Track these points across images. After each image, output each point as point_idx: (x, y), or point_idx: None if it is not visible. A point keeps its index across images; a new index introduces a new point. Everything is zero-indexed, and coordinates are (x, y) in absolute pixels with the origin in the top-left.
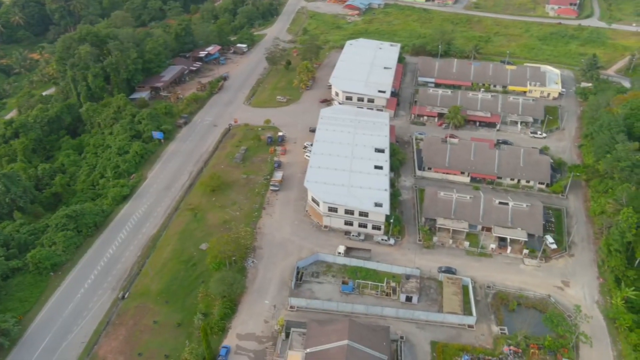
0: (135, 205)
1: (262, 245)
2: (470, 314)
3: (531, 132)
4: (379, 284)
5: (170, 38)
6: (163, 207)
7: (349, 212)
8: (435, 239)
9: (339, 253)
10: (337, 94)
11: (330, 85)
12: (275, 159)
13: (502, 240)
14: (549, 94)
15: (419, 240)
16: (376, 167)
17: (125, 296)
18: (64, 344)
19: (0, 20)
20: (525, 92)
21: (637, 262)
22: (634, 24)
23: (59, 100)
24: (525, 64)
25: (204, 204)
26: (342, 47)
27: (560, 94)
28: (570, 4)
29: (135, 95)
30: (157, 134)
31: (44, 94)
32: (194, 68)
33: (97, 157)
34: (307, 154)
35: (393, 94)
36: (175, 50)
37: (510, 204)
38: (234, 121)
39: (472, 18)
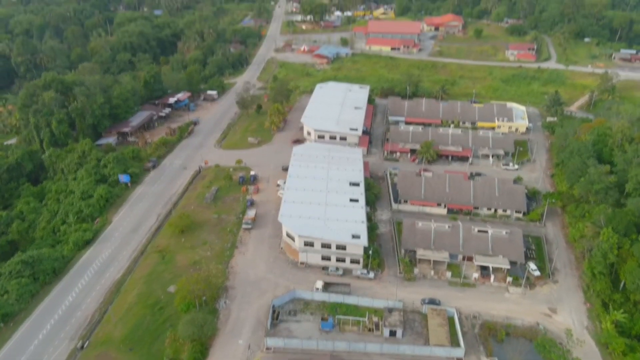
0: (99, 249)
1: (235, 284)
2: (458, 345)
3: (503, 165)
4: (361, 319)
5: (139, 85)
6: (129, 250)
7: (326, 246)
8: (416, 270)
9: (317, 289)
10: (309, 133)
11: (302, 127)
12: (248, 197)
13: (484, 269)
14: (517, 129)
15: (400, 273)
16: (352, 200)
17: (85, 346)
18: None
19: None
20: (494, 127)
21: (622, 284)
22: (590, 66)
23: (20, 148)
24: (492, 102)
25: (172, 246)
26: (312, 91)
27: (527, 128)
28: (529, 49)
29: (102, 141)
30: (123, 178)
31: (5, 143)
32: (163, 114)
33: (59, 203)
34: (280, 191)
35: (365, 132)
36: (144, 97)
37: (490, 231)
38: (205, 163)
39: (437, 64)
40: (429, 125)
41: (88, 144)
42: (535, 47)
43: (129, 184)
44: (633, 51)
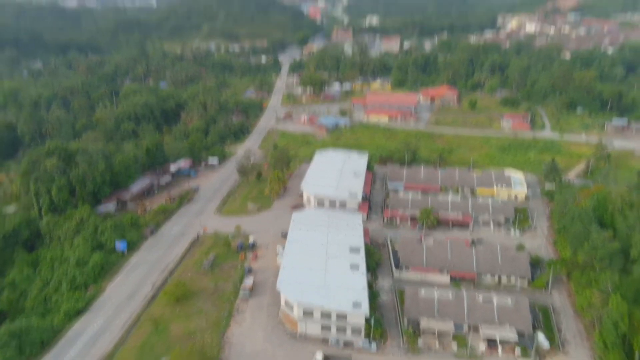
0: (91, 319)
1: (231, 356)
2: None
3: (504, 232)
4: None
5: (141, 153)
6: (122, 320)
7: (326, 315)
8: (420, 341)
9: None
10: (308, 199)
11: (302, 193)
12: (246, 265)
13: (491, 341)
14: (516, 196)
15: (403, 344)
16: (352, 266)
17: None
18: None
19: None
20: (493, 194)
21: (636, 355)
22: (584, 135)
23: (18, 215)
24: (489, 169)
25: (167, 315)
26: (311, 159)
27: (527, 195)
28: (523, 119)
29: (101, 208)
30: (120, 245)
31: (4, 211)
32: (164, 182)
33: (53, 270)
34: (279, 258)
35: (364, 198)
36: (146, 165)
37: (495, 299)
38: (203, 229)
39: (433, 133)
40: (428, 192)
41: (87, 211)
42: (529, 117)
43: (126, 252)
44: (625, 121)
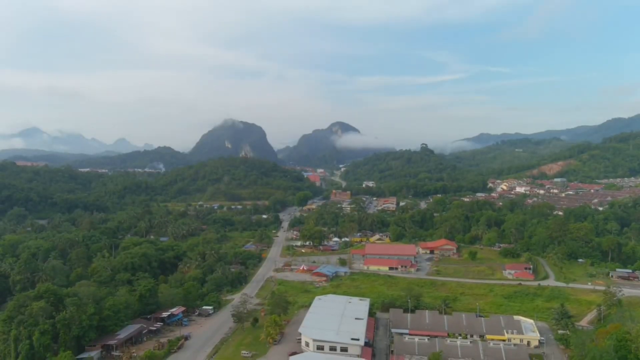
0: None
1: None
2: None
3: None
4: None
5: (134, 299)
6: None
7: None
8: None
9: None
10: (307, 344)
11: (300, 339)
12: None
13: None
14: (528, 342)
15: None
16: None
17: None
18: None
19: None
20: (503, 340)
21: None
22: (590, 283)
23: None
24: (498, 315)
25: None
26: (310, 306)
27: (540, 341)
28: (525, 268)
29: (84, 355)
30: None
31: None
32: (154, 328)
33: None
34: None
35: (367, 344)
36: (137, 311)
37: None
38: None
39: (436, 282)
40: (435, 337)
41: (67, 357)
42: (531, 266)
43: None
44: (629, 270)
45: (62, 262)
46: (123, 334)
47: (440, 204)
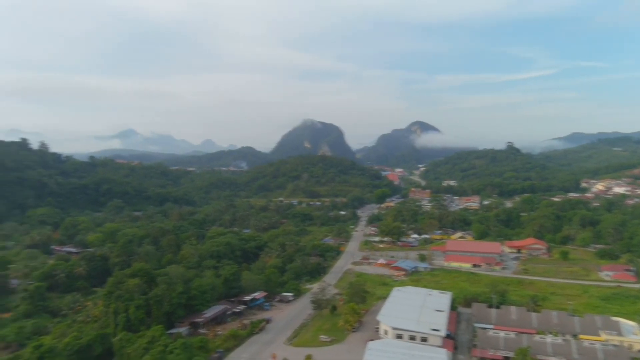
0: None
1: None
2: None
3: None
4: None
5: (219, 282)
6: None
7: None
8: None
9: None
10: (385, 332)
11: (378, 327)
12: None
13: None
14: (630, 345)
15: None
16: None
17: None
18: None
19: (65, 270)
20: (600, 341)
21: None
22: None
23: (95, 330)
24: (594, 315)
25: None
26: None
27: None
28: (625, 270)
29: (173, 330)
30: None
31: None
32: (237, 310)
33: None
34: None
35: (448, 336)
36: (222, 293)
37: None
38: (272, 357)
39: (523, 281)
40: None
41: (159, 331)
42: (633, 268)
43: None
44: None
45: (154, 248)
46: (209, 313)
47: (528, 203)
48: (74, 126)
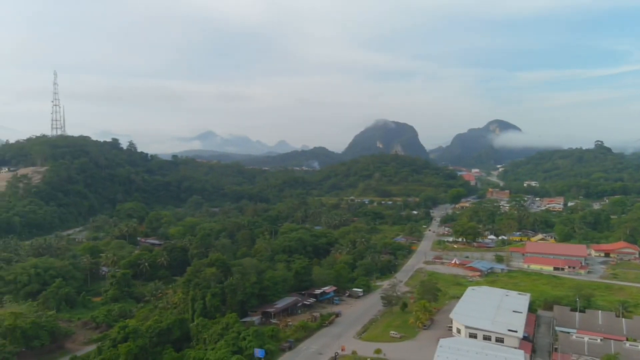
0: None
1: None
2: None
3: None
4: None
5: (290, 275)
6: None
7: None
8: None
9: None
10: (458, 330)
11: (450, 326)
12: None
13: None
14: None
15: None
16: None
17: None
18: None
19: (149, 260)
20: None
21: None
22: None
23: (174, 315)
24: None
25: None
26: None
27: None
28: None
29: (246, 318)
30: (259, 352)
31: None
32: (308, 303)
33: None
34: None
35: (526, 338)
36: (293, 286)
37: None
38: (341, 349)
39: (612, 286)
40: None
41: (233, 318)
42: None
43: None
44: None
45: (230, 241)
46: (280, 304)
47: (619, 204)
48: (158, 128)
